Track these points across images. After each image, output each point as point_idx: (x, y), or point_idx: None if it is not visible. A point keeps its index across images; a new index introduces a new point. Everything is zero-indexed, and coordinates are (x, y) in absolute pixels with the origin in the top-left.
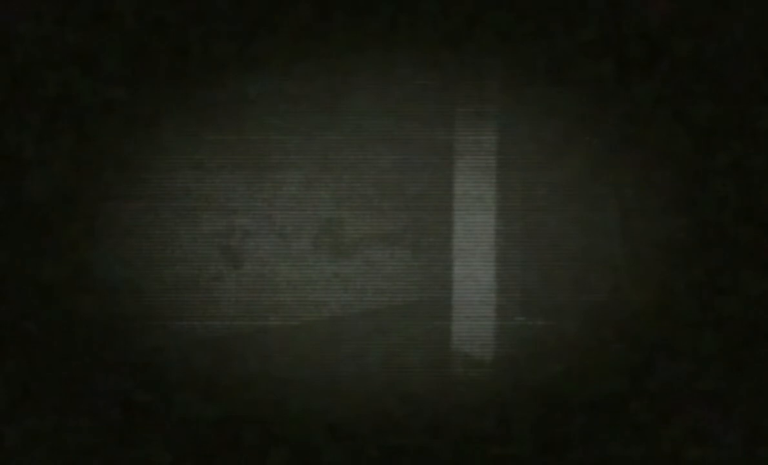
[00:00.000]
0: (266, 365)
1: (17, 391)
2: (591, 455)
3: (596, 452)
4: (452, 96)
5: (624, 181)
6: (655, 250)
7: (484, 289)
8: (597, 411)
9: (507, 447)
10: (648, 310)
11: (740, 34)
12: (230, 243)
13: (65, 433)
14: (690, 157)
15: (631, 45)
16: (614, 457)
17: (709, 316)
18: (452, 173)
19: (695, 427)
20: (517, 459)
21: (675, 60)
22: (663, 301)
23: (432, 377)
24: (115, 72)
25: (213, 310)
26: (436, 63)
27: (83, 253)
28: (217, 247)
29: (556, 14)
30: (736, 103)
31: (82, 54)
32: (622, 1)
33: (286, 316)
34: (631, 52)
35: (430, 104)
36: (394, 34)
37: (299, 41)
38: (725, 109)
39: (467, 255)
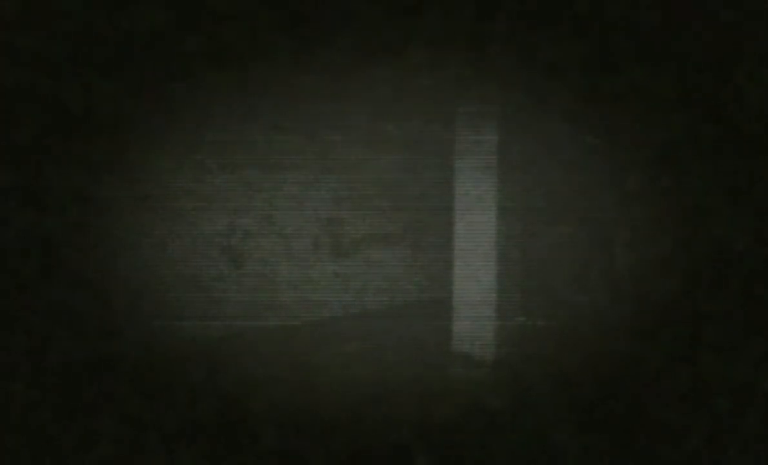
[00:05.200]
0: (266, 365)
1: (21, 387)
2: (591, 453)
3: (596, 450)
4: (452, 96)
5: (623, 180)
6: (654, 250)
7: (484, 289)
8: (597, 410)
9: (507, 445)
10: (647, 309)
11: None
12: (230, 243)
13: (65, 427)
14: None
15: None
16: (613, 455)
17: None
18: (452, 173)
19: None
20: (517, 457)
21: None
22: (661, 300)
23: (432, 377)
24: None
25: (213, 310)
26: (436, 63)
27: (85, 253)
28: (217, 247)
29: (557, 17)
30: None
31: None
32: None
33: (286, 316)
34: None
35: (430, 104)
36: (395, 35)
37: (300, 42)
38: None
39: (467, 255)
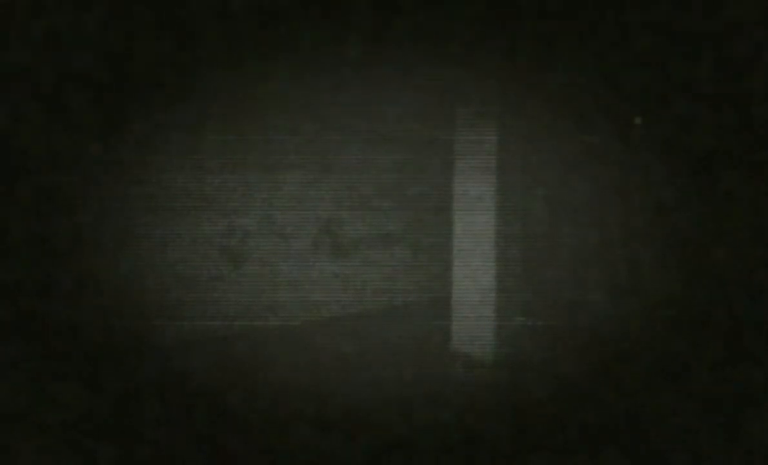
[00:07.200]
0: (266, 365)
1: (25, 387)
2: (590, 453)
3: (595, 451)
4: (452, 96)
5: (623, 181)
6: (655, 250)
7: (484, 289)
8: (597, 410)
9: (506, 445)
10: (647, 310)
11: None
12: (230, 243)
13: (67, 430)
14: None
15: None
16: (612, 456)
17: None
18: (452, 173)
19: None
20: (516, 457)
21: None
22: (662, 300)
23: (432, 377)
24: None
25: (213, 310)
26: (436, 64)
27: (83, 255)
28: (217, 247)
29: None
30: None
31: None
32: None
33: (286, 316)
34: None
35: (430, 104)
36: (395, 35)
37: (300, 42)
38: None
39: (467, 255)
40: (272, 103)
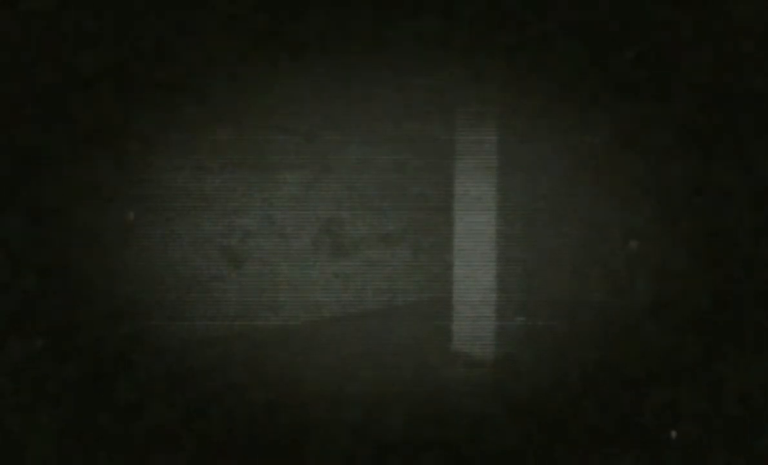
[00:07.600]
0: (266, 365)
1: (23, 387)
2: (590, 453)
3: (596, 451)
4: (452, 96)
5: (623, 181)
6: (655, 250)
7: (484, 289)
8: (596, 411)
9: (507, 445)
10: (647, 310)
11: None
12: (230, 243)
13: (64, 426)
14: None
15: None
16: (611, 457)
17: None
18: (452, 173)
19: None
20: (517, 457)
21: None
22: (663, 300)
23: (432, 377)
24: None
25: (213, 310)
26: (436, 63)
27: (82, 255)
28: (217, 247)
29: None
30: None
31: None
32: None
33: (286, 316)
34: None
35: (430, 104)
36: (395, 35)
37: (299, 42)
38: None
39: (467, 255)
40: (272, 102)
